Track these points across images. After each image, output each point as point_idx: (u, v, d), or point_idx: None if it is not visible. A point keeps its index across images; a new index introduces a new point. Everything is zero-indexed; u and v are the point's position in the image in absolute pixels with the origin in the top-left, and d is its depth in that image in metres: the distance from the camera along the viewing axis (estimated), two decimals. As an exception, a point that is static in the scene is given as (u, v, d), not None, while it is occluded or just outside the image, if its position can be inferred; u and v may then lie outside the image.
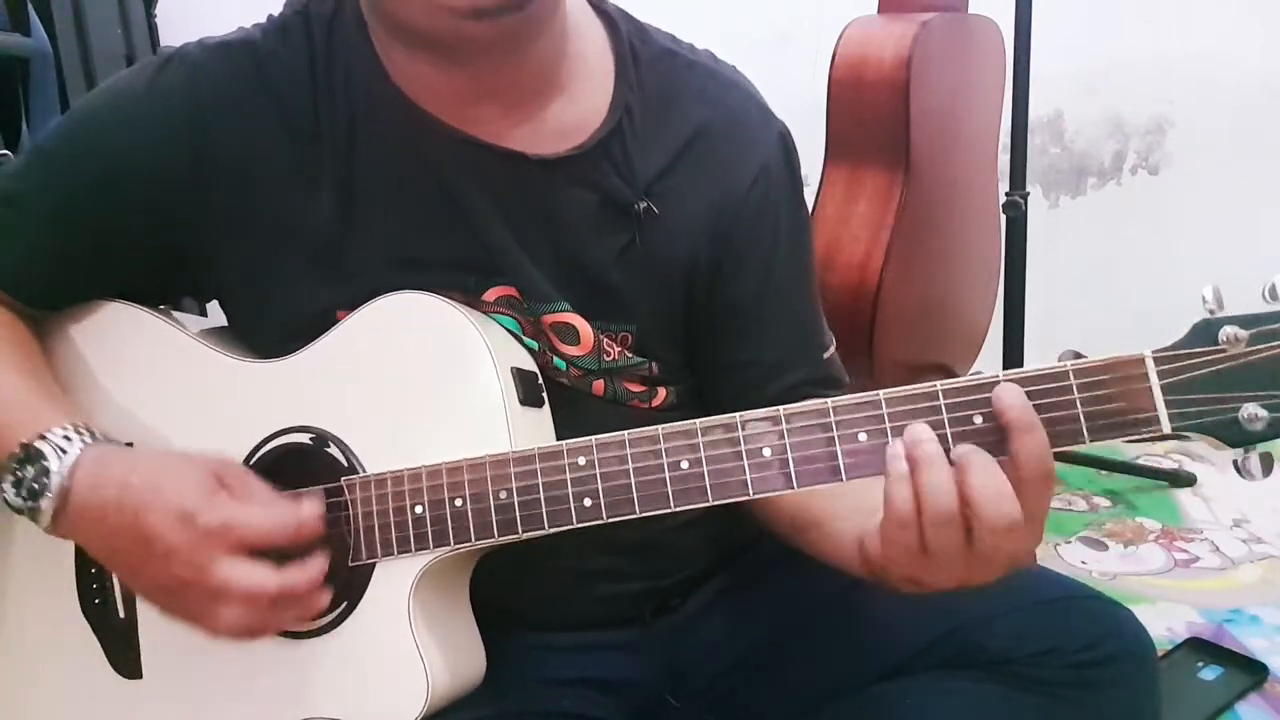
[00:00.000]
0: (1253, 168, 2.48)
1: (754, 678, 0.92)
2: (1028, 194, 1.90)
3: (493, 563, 0.80)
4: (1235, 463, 0.64)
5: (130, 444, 0.81)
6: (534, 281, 0.82)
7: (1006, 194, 1.90)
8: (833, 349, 0.93)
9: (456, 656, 0.78)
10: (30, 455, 0.73)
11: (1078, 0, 2.34)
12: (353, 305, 0.80)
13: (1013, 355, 1.97)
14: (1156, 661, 0.87)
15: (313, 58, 0.81)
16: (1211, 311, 0.64)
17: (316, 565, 0.72)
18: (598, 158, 0.82)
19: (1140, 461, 2.12)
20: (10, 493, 0.74)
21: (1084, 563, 1.82)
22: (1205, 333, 0.63)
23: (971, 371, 2.05)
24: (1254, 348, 0.62)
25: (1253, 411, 0.62)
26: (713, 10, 2.14)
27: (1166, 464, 2.17)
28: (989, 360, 2.03)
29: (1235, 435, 0.63)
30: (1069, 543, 1.88)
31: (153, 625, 0.81)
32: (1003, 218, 1.92)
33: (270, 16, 0.84)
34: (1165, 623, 1.59)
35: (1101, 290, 2.51)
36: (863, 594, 0.89)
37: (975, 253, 1.99)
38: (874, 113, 1.70)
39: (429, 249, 0.81)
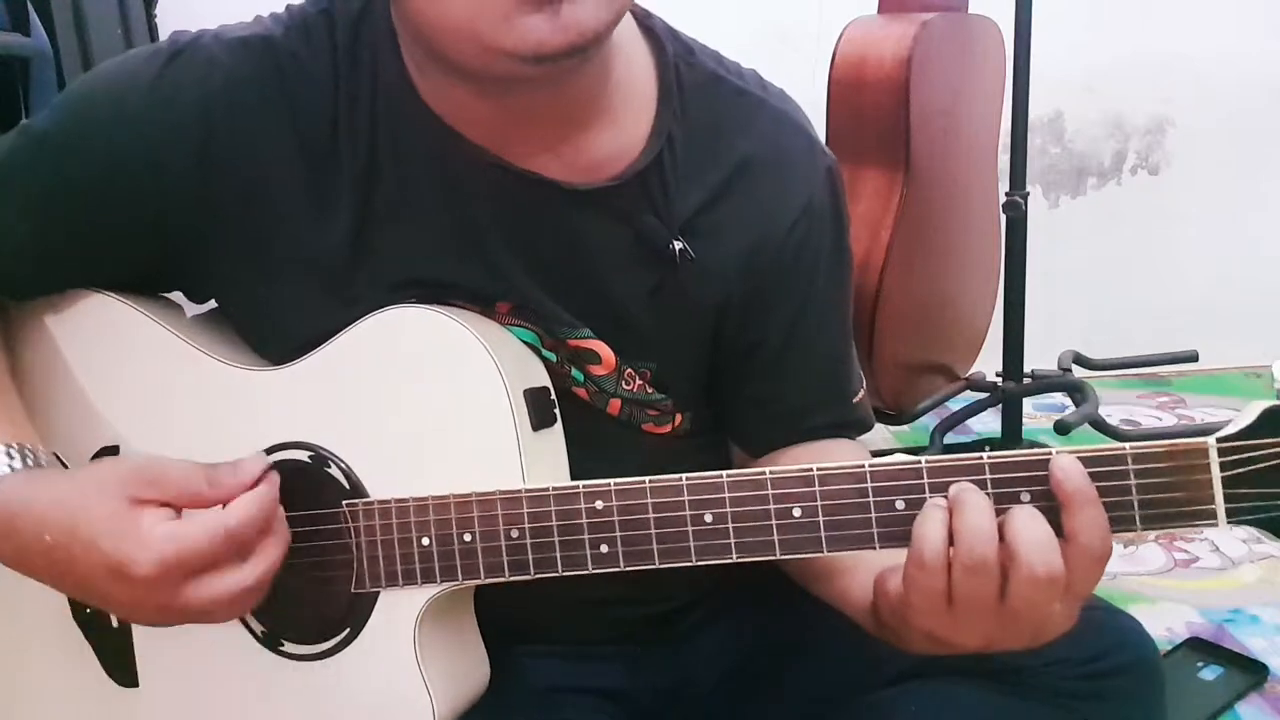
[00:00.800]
0: (1253, 168, 2.49)
1: (758, 684, 0.91)
2: (1028, 194, 1.90)
3: (495, 589, 0.77)
4: None
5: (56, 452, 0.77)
6: (550, 312, 0.79)
7: (1006, 194, 1.90)
8: (862, 393, 0.90)
9: (461, 682, 0.77)
10: None
11: (1078, 0, 2.34)
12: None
13: (1013, 355, 1.97)
14: (1163, 673, 0.86)
15: (336, 64, 0.75)
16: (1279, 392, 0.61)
17: (278, 541, 0.70)
18: (634, 192, 0.78)
19: (1140, 461, 2.12)
20: None
21: (1084, 563, 1.82)
22: (1274, 420, 0.60)
23: (971, 372, 2.05)
24: None
25: None
26: (713, 10, 2.14)
27: (1166, 464, 2.17)
28: (989, 360, 2.03)
29: None
30: (1069, 543, 1.88)
31: (148, 633, 0.80)
32: (1003, 218, 1.92)
33: (289, 7, 0.79)
34: (1165, 623, 1.59)
35: (1101, 290, 2.51)
36: None
37: (975, 253, 1.99)
38: (874, 113, 1.70)
39: (440, 273, 0.77)
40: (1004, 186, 1.91)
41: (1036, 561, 0.60)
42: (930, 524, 0.61)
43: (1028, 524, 0.60)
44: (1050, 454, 0.62)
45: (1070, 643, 0.81)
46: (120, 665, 0.80)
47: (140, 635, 0.80)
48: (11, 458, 0.71)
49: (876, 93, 1.69)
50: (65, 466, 0.78)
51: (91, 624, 0.82)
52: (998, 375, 2.00)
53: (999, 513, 0.61)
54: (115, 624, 0.80)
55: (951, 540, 0.61)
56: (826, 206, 0.85)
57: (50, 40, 1.52)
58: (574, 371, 0.81)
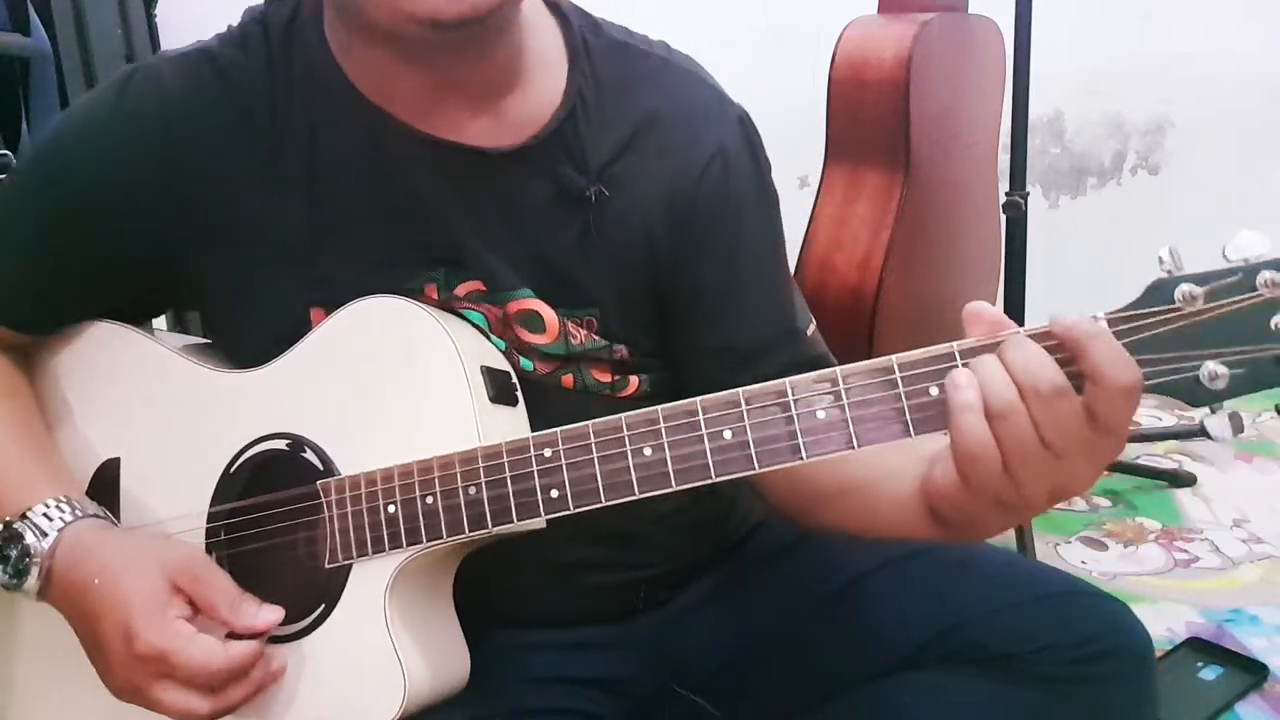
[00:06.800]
0: (1253, 168, 2.49)
1: (750, 675, 0.92)
2: (1028, 194, 1.90)
3: (475, 563, 0.81)
4: (1201, 424, 0.62)
5: (106, 508, 0.82)
6: (496, 272, 0.83)
7: (1006, 194, 1.89)
8: (813, 328, 0.92)
9: (436, 657, 0.78)
10: (11, 535, 0.77)
11: (1078, 0, 2.34)
12: (327, 305, 0.82)
13: (1013, 355, 1.97)
14: (1153, 656, 0.87)
15: (271, 64, 0.83)
16: (1169, 272, 0.61)
17: (247, 688, 0.75)
18: (552, 146, 0.84)
19: (1140, 461, 2.13)
20: None
21: (1084, 563, 1.82)
22: (1161, 292, 0.61)
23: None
24: (1210, 304, 0.60)
25: (1213, 369, 0.60)
26: (713, 11, 2.14)
27: (1166, 464, 2.17)
28: (989, 360, 2.03)
29: (1198, 395, 0.61)
30: (1069, 543, 1.89)
31: None
32: (1003, 218, 1.92)
33: (230, 27, 0.86)
34: (1165, 623, 1.59)
35: (1101, 290, 2.51)
36: (859, 591, 0.90)
37: (975, 253, 1.99)
38: (874, 113, 1.70)
39: (397, 247, 0.83)
40: (1004, 186, 1.91)
41: (1040, 382, 0.61)
42: (963, 388, 0.63)
43: (1016, 354, 0.62)
44: (952, 348, 0.63)
45: (1058, 628, 0.83)
46: None
47: None
48: (63, 510, 0.78)
49: (876, 93, 1.69)
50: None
51: None
52: (998, 375, 2.00)
53: (912, 411, 0.64)
54: None
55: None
56: (742, 152, 0.89)
57: (50, 40, 1.52)
58: (523, 360, 0.85)
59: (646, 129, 0.86)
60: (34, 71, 1.46)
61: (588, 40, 0.88)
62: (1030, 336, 0.63)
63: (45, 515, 0.77)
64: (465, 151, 0.82)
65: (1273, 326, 0.59)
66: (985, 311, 0.65)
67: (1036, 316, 1.97)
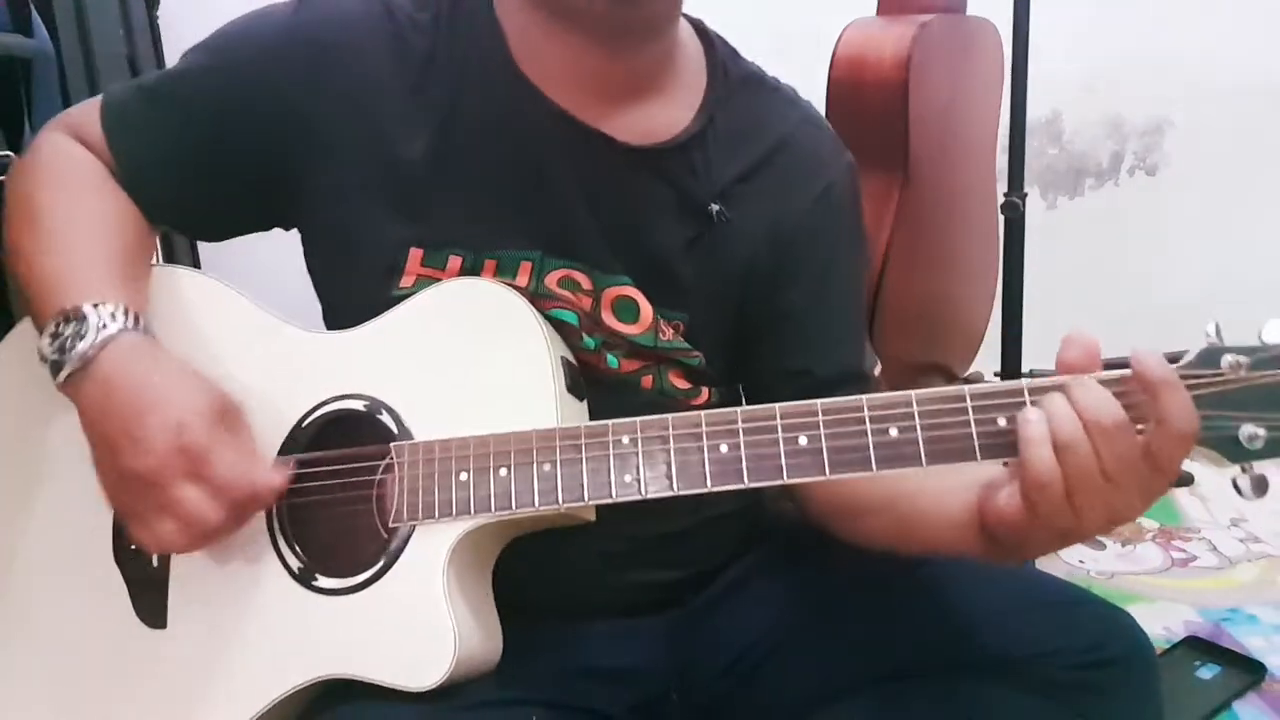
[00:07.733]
0: (1252, 168, 2.49)
1: (757, 676, 0.93)
2: (1026, 195, 1.90)
3: (516, 549, 0.83)
4: (1233, 480, 0.68)
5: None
6: (600, 254, 0.87)
7: (1004, 195, 1.90)
8: (878, 369, 0.97)
9: (482, 626, 0.80)
10: (70, 318, 0.78)
11: (1077, 1, 2.34)
12: (425, 247, 0.85)
13: (1011, 355, 1.98)
14: (1158, 666, 0.87)
15: (437, 15, 0.88)
16: (1213, 344, 0.68)
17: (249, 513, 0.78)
18: (679, 157, 0.89)
19: (1138, 461, 2.13)
20: (45, 342, 0.78)
21: (1082, 562, 1.82)
22: (1210, 358, 0.68)
23: (970, 371, 2.06)
24: (1255, 374, 0.67)
25: (1252, 431, 0.67)
26: (712, 11, 2.14)
27: (1164, 464, 2.17)
28: (988, 360, 2.04)
29: (1235, 452, 0.67)
30: (1067, 542, 1.89)
31: (184, 577, 0.84)
32: (1001, 219, 1.92)
33: None
34: (1163, 622, 1.60)
35: (1099, 291, 2.52)
36: (868, 595, 0.91)
37: (974, 254, 2.00)
38: (872, 114, 1.70)
39: (505, 207, 0.87)
40: (1002, 187, 1.91)
41: (1103, 417, 0.66)
42: (1033, 422, 0.68)
43: (1082, 394, 0.67)
44: (1023, 386, 0.69)
45: (1063, 635, 0.84)
46: (152, 606, 0.84)
47: (176, 576, 0.84)
48: (126, 318, 0.79)
49: (875, 94, 1.69)
50: None
51: (131, 564, 0.85)
52: (996, 375, 2.00)
53: (980, 438, 0.69)
54: (154, 565, 0.84)
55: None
56: (846, 197, 0.97)
57: (52, 41, 1.52)
58: (609, 357, 0.88)
59: (772, 157, 0.92)
60: (36, 72, 1.47)
61: (727, 67, 0.94)
62: (1100, 381, 0.68)
63: (112, 314, 0.78)
64: (596, 136, 0.87)
65: None
66: (1080, 336, 0.71)
67: (1034, 317, 1.98)
